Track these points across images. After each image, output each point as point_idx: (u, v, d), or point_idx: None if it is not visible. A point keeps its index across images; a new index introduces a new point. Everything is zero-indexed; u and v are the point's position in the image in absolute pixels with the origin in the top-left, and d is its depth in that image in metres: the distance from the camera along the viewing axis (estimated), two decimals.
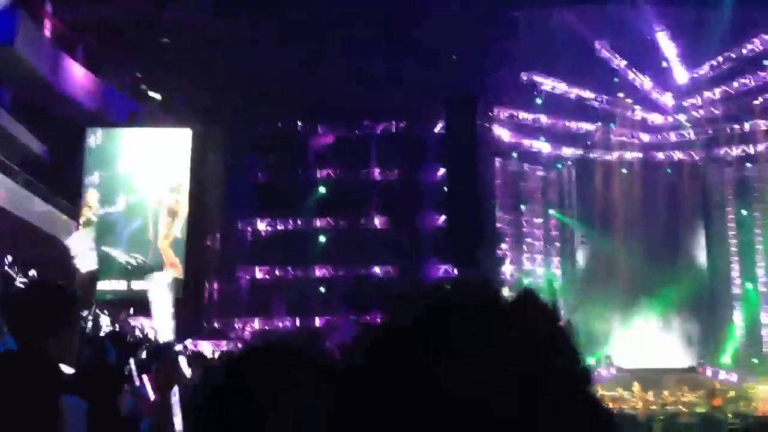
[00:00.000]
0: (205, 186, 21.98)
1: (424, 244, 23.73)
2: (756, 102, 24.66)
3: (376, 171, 23.57)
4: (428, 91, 21.82)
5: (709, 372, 24.38)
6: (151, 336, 12.99)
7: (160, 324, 11.44)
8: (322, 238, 23.02)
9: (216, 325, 21.18)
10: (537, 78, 24.63)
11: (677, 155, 26.09)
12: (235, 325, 21.59)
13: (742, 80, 24.58)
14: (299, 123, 23.60)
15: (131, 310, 15.79)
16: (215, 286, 22.20)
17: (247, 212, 23.06)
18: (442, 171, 23.79)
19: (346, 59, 21.25)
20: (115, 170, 21.06)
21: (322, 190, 23.26)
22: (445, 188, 23.39)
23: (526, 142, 25.20)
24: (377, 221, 23.33)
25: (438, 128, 23.52)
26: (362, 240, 23.00)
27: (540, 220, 25.61)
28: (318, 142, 23.80)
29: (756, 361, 24.87)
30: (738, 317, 25.48)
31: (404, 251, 23.43)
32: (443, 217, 23.40)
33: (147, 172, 20.95)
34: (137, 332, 13.66)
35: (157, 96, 21.39)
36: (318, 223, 23.15)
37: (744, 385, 23.72)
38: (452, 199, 23.09)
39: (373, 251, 23.21)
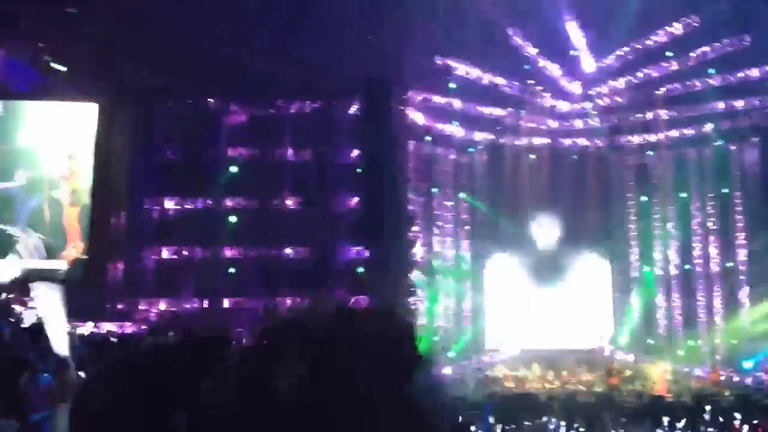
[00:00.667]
0: (111, 163, 21.42)
1: (337, 226, 23.81)
2: (658, 92, 25.76)
3: (290, 151, 23.45)
4: (344, 72, 21.84)
5: (607, 352, 25.55)
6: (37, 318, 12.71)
7: (46, 310, 11.15)
8: (233, 219, 22.79)
9: (120, 306, 20.76)
10: (451, 62, 24.98)
11: (583, 142, 27.05)
12: (140, 307, 21.20)
13: (646, 70, 25.62)
14: (211, 100, 23.21)
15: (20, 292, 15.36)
16: (120, 266, 21.71)
17: (154, 191, 22.59)
18: (356, 152, 23.88)
19: (260, 37, 21.02)
20: (15, 143, 20.29)
21: (233, 169, 22.98)
22: (359, 170, 23.50)
23: (439, 125, 25.60)
24: (290, 202, 23.26)
25: (353, 110, 23.57)
26: (274, 221, 22.89)
27: (451, 203, 26.12)
28: (230, 120, 23.47)
29: (651, 342, 26.23)
30: (636, 300, 26.73)
31: (317, 233, 23.45)
32: (356, 199, 23.53)
33: (49, 147, 20.26)
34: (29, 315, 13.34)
35: (62, 68, 20.63)
36: (229, 203, 22.90)
37: (640, 365, 24.99)
38: (366, 181, 23.25)
39: (285, 232, 23.14)
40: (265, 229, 22.71)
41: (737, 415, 18.62)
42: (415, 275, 24.24)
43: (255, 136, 23.29)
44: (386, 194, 23.19)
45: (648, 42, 25.13)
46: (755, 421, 18.23)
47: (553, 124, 26.78)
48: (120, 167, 21.91)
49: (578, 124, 26.98)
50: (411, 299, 23.47)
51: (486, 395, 22.43)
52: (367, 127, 23.19)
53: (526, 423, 19.10)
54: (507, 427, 18.78)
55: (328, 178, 23.51)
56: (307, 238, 23.29)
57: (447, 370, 23.73)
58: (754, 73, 24.68)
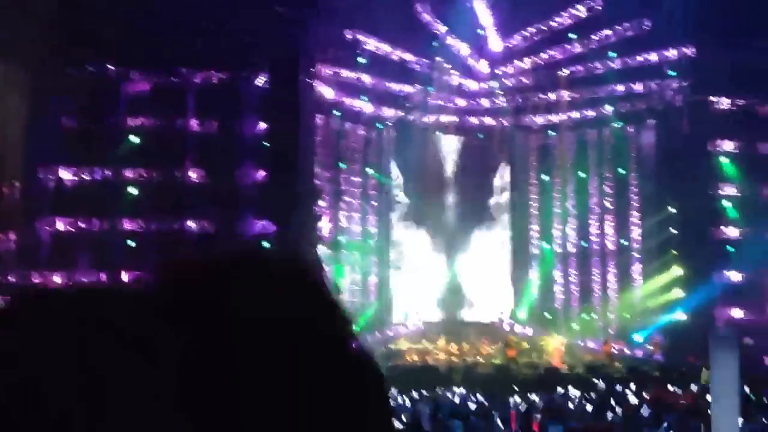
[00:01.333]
0: (5, 130, 20.70)
1: (242, 199, 23.70)
2: (561, 73, 26.61)
3: (194, 122, 23.15)
4: (251, 42, 21.64)
5: (507, 325, 26.50)
6: None
7: None
8: (134, 190, 22.39)
9: (12, 279, 20.20)
10: (360, 37, 25.11)
11: (489, 121, 27.72)
12: (34, 280, 20.69)
13: (551, 52, 26.41)
14: (111, 67, 22.62)
15: None
16: (12, 237, 21.08)
17: (50, 160, 21.95)
18: (263, 125, 23.76)
19: (163, 3, 20.60)
20: None
21: (134, 139, 22.53)
22: (266, 143, 23.41)
23: (348, 100, 25.73)
24: (193, 174, 23.01)
25: (260, 82, 23.40)
26: (177, 193, 22.62)
27: (359, 179, 26.38)
28: (132, 88, 22.94)
29: (549, 316, 27.32)
30: (535, 275, 27.75)
31: (222, 206, 23.29)
32: (263, 173, 23.46)
33: None
34: None
35: None
36: (129, 174, 22.47)
37: (537, 338, 26.02)
38: (272, 154, 23.16)
39: (188, 205, 22.91)
40: (167, 201, 22.41)
41: (632, 386, 19.61)
42: (321, 250, 24.44)
43: (158, 105, 22.84)
44: (293, 168, 23.19)
45: (552, 24, 25.89)
46: (644, 391, 19.26)
47: (461, 102, 27.31)
48: (14, 134, 21.19)
49: (485, 103, 27.59)
50: None
51: (389, 368, 22.96)
52: (275, 100, 23.07)
53: (426, 393, 19.64)
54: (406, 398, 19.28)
55: (233, 150, 23.33)
56: (210, 212, 23.11)
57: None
58: (653, 57, 25.74)
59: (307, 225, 23.82)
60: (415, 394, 19.06)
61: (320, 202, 24.76)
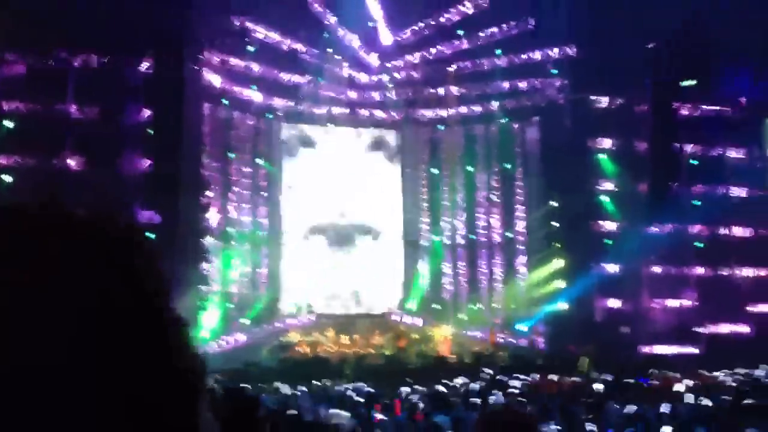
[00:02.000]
0: None
1: (126, 189, 23.06)
2: (450, 69, 27.38)
3: (74, 107, 22.35)
4: (134, 26, 21.10)
5: (396, 317, 26.98)
6: None
7: None
8: (8, 178, 21.40)
9: None
10: (250, 25, 24.95)
11: (380, 114, 28.16)
12: None
13: (440, 47, 27.11)
14: None
15: None
16: None
17: None
18: (147, 113, 23.21)
19: None
20: None
21: (9, 124, 21.53)
22: (151, 131, 22.90)
23: (237, 89, 25.49)
24: (73, 162, 22.22)
25: (145, 67, 22.86)
26: (55, 181, 21.77)
27: (249, 170, 26.18)
28: (7, 70, 21.90)
29: (438, 307, 28.01)
30: (424, 267, 28.39)
31: (103, 196, 22.56)
32: (148, 162, 22.93)
33: None
34: None
35: None
36: (3, 161, 21.46)
37: (426, 329, 26.63)
38: (158, 143, 22.69)
39: (67, 194, 22.04)
40: (45, 190, 21.52)
41: (520, 377, 20.31)
42: (209, 241, 24.14)
43: (34, 89, 21.91)
44: (179, 157, 22.79)
45: (441, 19, 26.59)
46: (528, 378, 20.02)
47: (352, 94, 27.60)
48: None
49: (375, 96, 27.99)
50: (202, 265, 23.38)
51: (279, 361, 22.96)
52: (160, 87, 22.60)
53: (316, 383, 19.71)
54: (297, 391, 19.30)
55: (115, 138, 22.67)
56: (92, 202, 22.15)
57: (241, 337, 23.99)
58: (537, 55, 26.88)
59: (193, 216, 23.47)
60: (304, 387, 19.11)
61: (208, 193, 24.43)
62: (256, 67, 25.36)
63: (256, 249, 26.24)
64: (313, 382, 19.29)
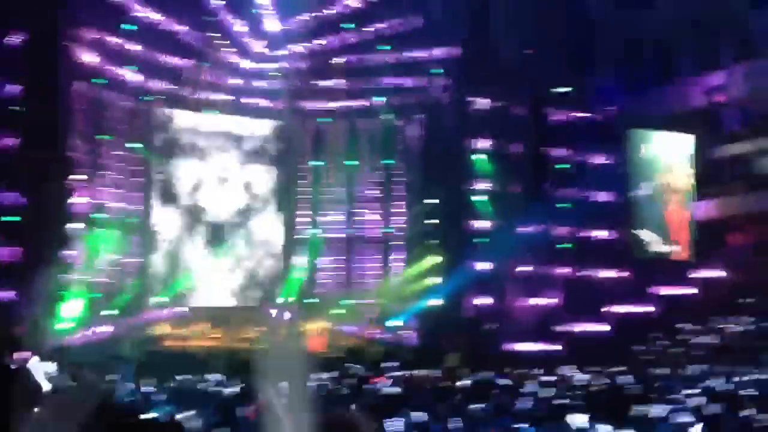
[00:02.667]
0: None
1: None
2: (337, 61, 27.46)
3: None
4: None
5: (272, 310, 26.94)
6: None
7: None
8: None
9: None
10: (128, 1, 24.02)
11: (264, 103, 27.85)
12: None
13: (327, 38, 27.15)
14: None
15: None
16: None
17: None
18: (17, 88, 21.89)
19: None
20: None
21: None
22: (18, 108, 21.66)
23: (113, 69, 24.49)
24: None
25: (13, 40, 21.51)
26: None
27: (122, 153, 25.26)
28: None
29: (314, 301, 28.18)
30: (301, 260, 28.46)
31: None
32: (13, 140, 21.67)
33: None
34: None
35: None
36: None
37: (300, 323, 26.74)
38: (26, 120, 21.54)
39: None
40: None
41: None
42: (76, 226, 23.16)
43: None
44: (47, 137, 21.73)
45: (329, 10, 26.61)
46: (401, 373, 20.50)
47: (235, 81, 27.13)
48: None
49: (260, 84, 27.65)
50: (68, 251, 22.46)
51: (145, 354, 22.43)
52: (29, 62, 21.43)
53: (179, 377, 19.38)
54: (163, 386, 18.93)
55: None
56: None
57: (107, 329, 23.25)
58: (422, 53, 27.41)
59: (61, 199, 22.47)
60: (172, 384, 18.74)
61: (76, 175, 23.39)
62: (133, 47, 24.43)
63: (127, 237, 25.38)
64: (180, 377, 18.97)
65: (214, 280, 26.30)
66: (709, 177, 31.85)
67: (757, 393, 13.10)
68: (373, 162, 28.76)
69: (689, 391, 13.24)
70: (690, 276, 30.71)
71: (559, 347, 27.25)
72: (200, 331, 24.93)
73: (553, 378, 19.35)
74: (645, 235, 30.42)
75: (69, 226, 22.86)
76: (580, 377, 19.79)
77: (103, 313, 23.90)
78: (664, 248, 30.62)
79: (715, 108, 32.68)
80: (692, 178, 31.19)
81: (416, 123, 28.33)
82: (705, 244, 31.08)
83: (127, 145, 25.47)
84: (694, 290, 30.65)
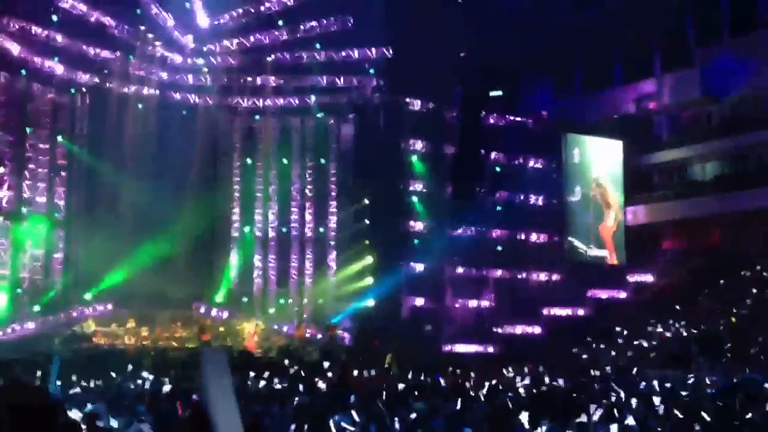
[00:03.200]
0: None
1: None
2: (268, 59, 27.64)
3: None
4: None
5: (202, 309, 26.65)
6: None
7: None
8: None
9: None
10: None
11: (193, 98, 27.78)
12: None
13: (259, 36, 27.32)
14: None
15: None
16: None
17: None
18: None
19: None
20: None
21: None
22: None
23: (38, 60, 24.28)
24: None
25: None
26: None
27: (47, 146, 24.96)
28: None
29: (246, 300, 27.99)
30: (234, 258, 28.29)
31: None
32: None
33: None
34: None
35: None
36: None
37: (233, 322, 26.55)
38: None
39: None
40: None
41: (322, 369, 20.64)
42: None
43: None
44: None
45: (261, 8, 26.83)
46: (332, 373, 20.37)
47: (164, 75, 27.07)
48: None
49: (189, 79, 27.60)
50: None
51: (72, 351, 22.00)
52: None
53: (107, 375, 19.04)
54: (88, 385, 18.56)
55: None
56: None
57: (32, 325, 22.81)
58: (355, 53, 27.77)
59: None
60: (100, 382, 18.41)
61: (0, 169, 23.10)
62: (59, 38, 24.28)
63: (52, 231, 24.97)
64: (111, 374, 18.67)
65: (141, 278, 25.71)
66: (639, 183, 32.68)
67: (689, 395, 13.36)
68: (306, 161, 28.79)
69: (623, 393, 13.42)
70: (621, 280, 31.38)
71: (493, 349, 27.49)
72: (128, 328, 24.53)
73: (491, 380, 19.53)
74: (578, 239, 30.98)
75: None
76: (514, 378, 19.94)
77: (28, 309, 23.47)
78: (597, 253, 31.20)
79: (644, 115, 33.70)
80: (621, 185, 31.90)
81: (349, 122, 28.49)
82: (635, 250, 31.78)
83: (55, 138, 25.14)
84: (625, 294, 31.36)
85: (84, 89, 25.64)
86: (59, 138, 25.36)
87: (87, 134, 25.90)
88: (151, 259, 25.16)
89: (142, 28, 25.72)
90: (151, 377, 19.71)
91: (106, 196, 25.77)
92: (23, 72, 23.96)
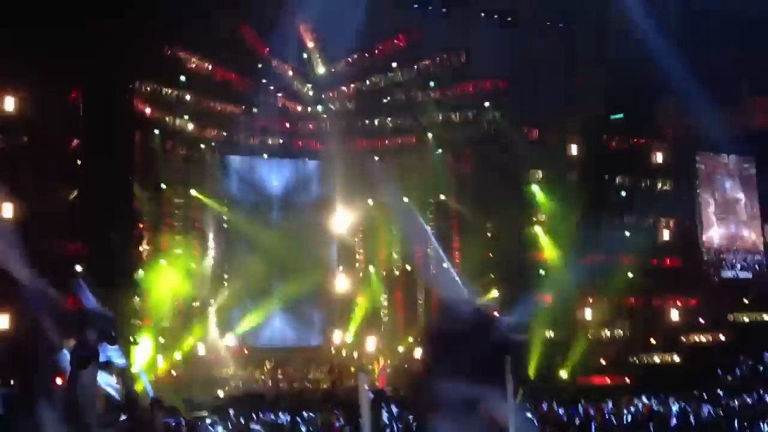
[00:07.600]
0: None
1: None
2: (384, 100, 29.19)
3: None
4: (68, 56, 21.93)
5: (333, 350, 28.19)
6: None
7: None
8: None
9: None
10: (182, 54, 26.20)
11: (316, 144, 29.65)
12: None
13: (374, 79, 28.94)
14: None
15: None
16: None
17: None
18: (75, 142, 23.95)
19: None
20: None
21: None
22: (79, 161, 23.65)
23: (169, 119, 26.59)
24: None
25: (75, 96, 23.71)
26: None
27: (181, 201, 27.18)
28: None
29: (375, 338, 29.20)
30: (362, 299, 29.60)
31: (26, 230, 23.03)
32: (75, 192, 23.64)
33: None
34: None
35: None
36: None
37: (362, 361, 27.91)
38: (88, 173, 23.44)
39: None
40: None
41: None
42: (141, 274, 24.99)
43: None
44: (109, 188, 23.50)
45: (375, 51, 28.49)
46: None
47: (286, 124, 29.09)
48: None
49: (310, 126, 29.52)
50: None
51: (212, 396, 23.85)
52: (91, 116, 23.37)
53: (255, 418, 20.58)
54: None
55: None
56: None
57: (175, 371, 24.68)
58: (469, 88, 28.96)
59: (123, 248, 24.19)
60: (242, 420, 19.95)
61: (140, 224, 25.35)
62: (188, 97, 26.52)
63: (188, 281, 27.02)
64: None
65: (276, 321, 27.55)
66: None
67: None
68: (428, 198, 29.84)
69: None
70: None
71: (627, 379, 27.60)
72: (264, 370, 26.21)
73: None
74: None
75: (136, 273, 24.60)
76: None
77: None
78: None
79: None
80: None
81: (466, 157, 29.48)
82: None
83: (190, 192, 27.40)
84: None
85: (213, 144, 27.88)
86: (192, 192, 27.53)
87: (219, 186, 28.11)
88: (284, 302, 26.94)
89: (264, 81, 27.74)
90: (288, 418, 21.24)
91: (239, 245, 27.83)
92: (156, 131, 26.24)
